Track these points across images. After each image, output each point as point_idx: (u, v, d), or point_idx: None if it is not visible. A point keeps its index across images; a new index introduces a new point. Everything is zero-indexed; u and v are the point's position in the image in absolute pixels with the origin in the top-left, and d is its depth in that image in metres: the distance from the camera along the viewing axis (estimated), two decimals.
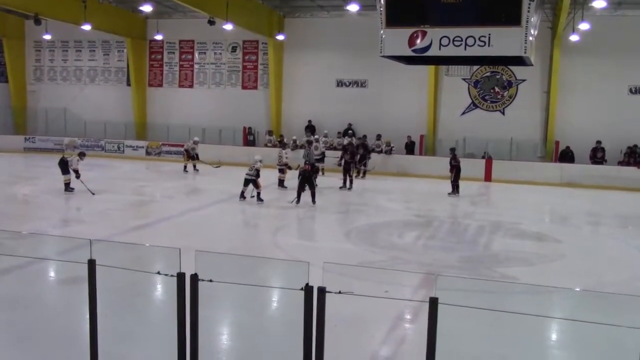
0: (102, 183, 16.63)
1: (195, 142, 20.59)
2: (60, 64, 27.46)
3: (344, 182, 17.62)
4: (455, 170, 16.93)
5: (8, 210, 14.09)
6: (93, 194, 15.10)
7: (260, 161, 15.05)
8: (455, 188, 16.99)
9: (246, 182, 14.76)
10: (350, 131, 22.73)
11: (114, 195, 15.72)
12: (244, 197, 14.85)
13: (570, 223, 14.56)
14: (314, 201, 14.65)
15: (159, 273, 4.87)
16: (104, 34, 24.85)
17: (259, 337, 6.70)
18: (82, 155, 15.91)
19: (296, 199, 14.64)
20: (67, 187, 15.40)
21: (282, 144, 18.11)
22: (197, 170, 20.53)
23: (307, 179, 14.88)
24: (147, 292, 7.96)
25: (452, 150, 17.74)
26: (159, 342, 6.24)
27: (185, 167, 20.65)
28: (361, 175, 19.90)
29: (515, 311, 4.66)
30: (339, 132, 22.79)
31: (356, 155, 18.70)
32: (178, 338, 4.73)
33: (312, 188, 14.90)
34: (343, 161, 17.97)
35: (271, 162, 17.65)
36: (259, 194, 14.76)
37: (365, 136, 21.49)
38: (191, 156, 20.46)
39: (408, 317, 7.36)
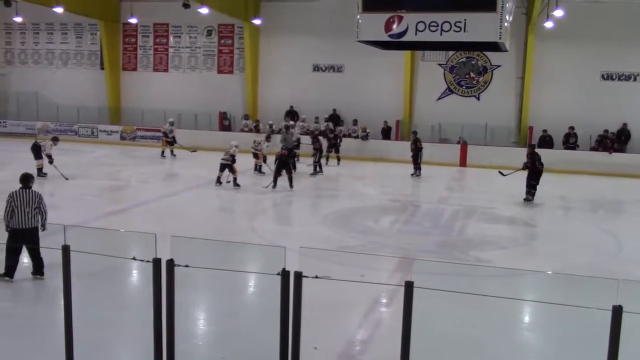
0: (75, 168, 16.43)
1: (172, 124, 20.42)
2: (31, 46, 26.90)
3: (314, 169, 17.71)
4: (420, 152, 17.91)
5: None
6: (67, 179, 14.92)
7: (237, 146, 15.01)
8: (419, 170, 17.90)
9: (222, 167, 14.74)
10: (326, 116, 22.73)
11: (88, 181, 15.55)
12: (220, 183, 14.81)
13: (543, 207, 14.76)
14: (291, 185, 14.67)
15: (134, 259, 4.85)
16: (77, 17, 24.34)
17: (235, 322, 6.73)
18: (55, 140, 15.69)
19: (272, 184, 14.64)
20: (40, 172, 15.18)
21: (268, 137, 17.89)
22: (175, 155, 20.38)
23: (284, 164, 14.90)
24: (123, 277, 7.92)
25: (415, 133, 18.74)
26: (135, 327, 6.23)
27: (162, 152, 20.49)
28: (337, 162, 19.93)
29: (489, 294, 4.75)
30: (325, 117, 22.61)
31: (318, 142, 18.44)
32: (154, 323, 4.73)
33: (290, 173, 14.92)
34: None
35: (248, 147, 17.58)
36: (235, 179, 14.73)
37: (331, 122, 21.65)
38: (169, 141, 20.31)
39: (384, 300, 7.44)
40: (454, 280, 5.02)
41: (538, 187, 14.10)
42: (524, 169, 14.22)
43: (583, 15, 20.31)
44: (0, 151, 21.34)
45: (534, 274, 7.73)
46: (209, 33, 24.68)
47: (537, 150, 14.87)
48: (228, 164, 14.68)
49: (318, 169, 17.68)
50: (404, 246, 10.40)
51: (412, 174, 17.90)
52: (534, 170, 14.06)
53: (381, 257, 9.18)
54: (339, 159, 20.04)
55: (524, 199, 14.01)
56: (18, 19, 24.04)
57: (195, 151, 20.54)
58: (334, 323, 6.72)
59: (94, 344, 5.68)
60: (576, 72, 21.04)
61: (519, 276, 7.89)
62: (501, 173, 14.91)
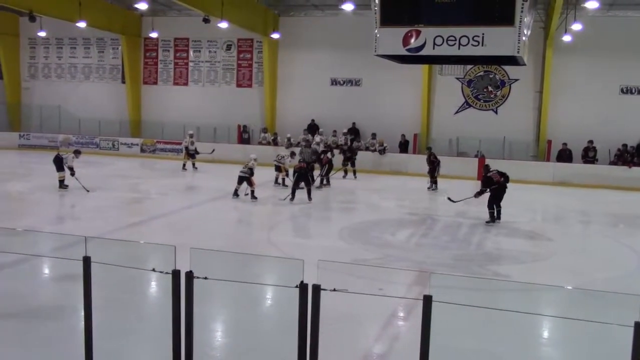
0: (96, 180, 16.62)
1: (191, 136, 20.65)
2: (54, 61, 27.38)
3: (320, 181, 17.66)
4: (436, 166, 17.86)
5: (3, 207, 14.08)
6: (88, 191, 15.10)
7: (255, 159, 15.10)
8: (435, 184, 17.88)
9: (240, 180, 14.81)
10: (345, 130, 22.83)
11: (108, 193, 15.72)
12: (237, 195, 14.89)
13: (562, 222, 14.66)
14: (309, 198, 14.72)
15: (154, 270, 4.90)
16: (99, 31, 24.78)
17: (253, 334, 6.75)
18: (77, 153, 15.90)
19: (290, 196, 14.70)
20: (62, 184, 15.39)
21: (292, 154, 17.59)
22: (196, 168, 20.56)
23: (303, 177, 14.97)
24: (142, 289, 7.99)
25: (430, 149, 18.88)
26: (154, 338, 6.28)
27: (184, 165, 20.67)
28: (353, 176, 19.94)
29: (507, 309, 4.73)
30: (344, 132, 22.70)
31: (319, 155, 18.21)
32: (173, 335, 4.77)
33: (308, 185, 14.99)
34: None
35: (267, 160, 17.68)
36: (252, 191, 14.80)
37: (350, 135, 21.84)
38: (191, 154, 20.47)
39: (401, 314, 7.42)
40: (472, 294, 5.01)
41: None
42: (476, 197, 13.38)
43: (601, 28, 20.23)
44: (24, 163, 21.70)
45: (553, 289, 7.66)
46: (229, 47, 24.93)
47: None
48: (246, 177, 14.75)
49: (325, 181, 17.75)
50: (422, 260, 10.36)
51: (428, 188, 17.89)
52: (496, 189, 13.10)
53: (399, 271, 9.17)
54: (354, 173, 20.04)
55: (486, 222, 13.12)
56: (42, 34, 24.52)
57: (213, 151, 20.70)
58: (352, 336, 6.71)
59: (113, 355, 5.74)
60: (595, 85, 20.92)
61: (538, 291, 7.83)
62: (450, 199, 14.27)
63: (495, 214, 13.14)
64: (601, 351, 6.21)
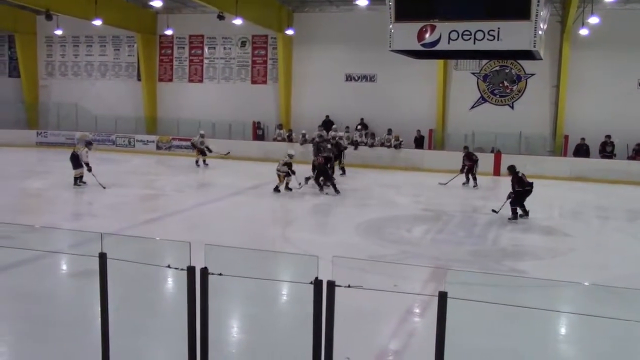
0: (113, 177, 16.73)
1: (202, 136, 20.64)
2: (71, 59, 27.60)
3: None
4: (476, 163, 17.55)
5: (21, 204, 14.24)
6: (104, 187, 15.20)
7: (291, 156, 15.32)
8: (475, 180, 17.57)
9: (281, 177, 15.03)
10: (359, 125, 22.85)
11: (124, 189, 15.82)
12: (279, 190, 15.20)
13: (580, 217, 14.51)
14: (337, 191, 14.92)
15: (169, 266, 4.91)
16: (115, 29, 24.94)
17: (268, 330, 6.76)
18: (89, 144, 15.96)
19: (318, 188, 15.18)
20: (77, 181, 15.49)
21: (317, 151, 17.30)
22: (207, 164, 20.62)
23: (323, 172, 15.11)
24: (158, 285, 8.03)
25: (467, 148, 18.30)
26: (169, 334, 6.31)
27: (197, 161, 20.73)
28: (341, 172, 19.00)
29: (524, 305, 4.68)
30: (357, 125, 22.73)
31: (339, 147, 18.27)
32: (188, 331, 4.78)
33: (331, 179, 15.16)
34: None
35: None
36: (287, 184, 15.11)
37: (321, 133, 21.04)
38: (201, 151, 20.51)
39: (417, 310, 7.39)
40: (488, 290, 4.97)
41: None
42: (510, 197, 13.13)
43: (619, 22, 19.96)
44: (42, 160, 21.92)
45: (571, 285, 7.58)
46: (243, 44, 24.96)
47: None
48: (286, 173, 14.99)
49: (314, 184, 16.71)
50: (437, 256, 10.31)
51: (463, 183, 17.70)
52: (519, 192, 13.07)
53: (414, 267, 9.13)
54: (343, 169, 19.29)
55: (509, 219, 13.00)
56: (59, 32, 24.70)
57: (228, 153, 20.73)
58: (367, 333, 6.69)
59: (129, 351, 5.77)
60: (613, 79, 20.66)
61: (556, 287, 7.75)
62: (494, 211, 13.58)
63: (518, 211, 13.06)
64: (621, 349, 6.14)
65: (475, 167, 17.57)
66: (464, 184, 17.66)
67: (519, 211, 13.08)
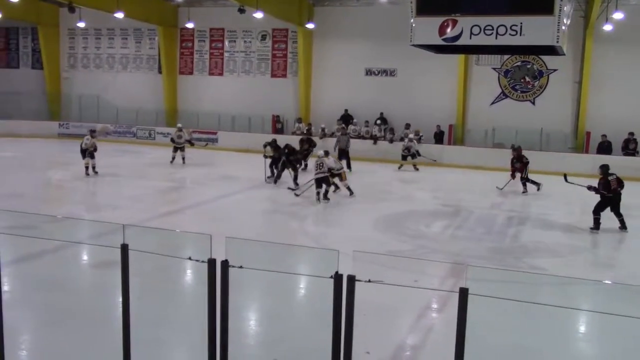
0: (133, 169, 16.90)
1: (180, 129, 19.65)
2: (93, 51, 27.85)
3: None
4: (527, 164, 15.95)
5: (43, 194, 14.44)
6: (96, 172, 15.93)
7: (327, 153, 14.43)
8: (527, 183, 16.00)
9: (319, 184, 13.94)
10: (378, 120, 22.80)
11: (145, 181, 15.97)
12: (320, 200, 14.01)
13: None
14: (351, 193, 14.65)
15: (190, 259, 4.94)
16: (136, 22, 25.10)
17: (288, 324, 6.80)
18: (92, 132, 16.48)
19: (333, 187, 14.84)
20: (88, 171, 16.03)
21: (326, 152, 15.49)
22: (184, 163, 19.36)
23: (323, 180, 15.03)
24: (178, 277, 8.11)
25: (519, 148, 16.43)
26: (190, 326, 6.37)
27: (173, 158, 19.35)
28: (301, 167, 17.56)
29: (543, 303, 4.66)
30: (376, 120, 22.73)
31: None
32: (208, 323, 4.82)
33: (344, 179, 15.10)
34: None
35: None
36: (337, 187, 14.58)
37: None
38: (180, 147, 19.30)
39: (436, 306, 7.39)
40: (507, 287, 4.94)
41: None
42: (589, 189, 12.12)
43: None
44: (64, 152, 22.15)
45: (591, 284, 7.53)
46: (264, 37, 25.00)
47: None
48: (326, 177, 13.93)
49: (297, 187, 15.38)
50: (456, 252, 10.28)
51: (505, 183, 16.06)
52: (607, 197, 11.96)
53: (433, 262, 9.12)
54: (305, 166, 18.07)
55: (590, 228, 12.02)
56: (81, 25, 24.92)
57: (207, 144, 20.87)
58: (386, 327, 6.71)
59: (150, 342, 5.85)
60: (636, 76, 20.38)
61: (576, 285, 7.70)
62: (566, 179, 13.10)
63: (600, 220, 11.92)
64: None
65: (526, 171, 15.92)
66: (523, 192, 15.86)
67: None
